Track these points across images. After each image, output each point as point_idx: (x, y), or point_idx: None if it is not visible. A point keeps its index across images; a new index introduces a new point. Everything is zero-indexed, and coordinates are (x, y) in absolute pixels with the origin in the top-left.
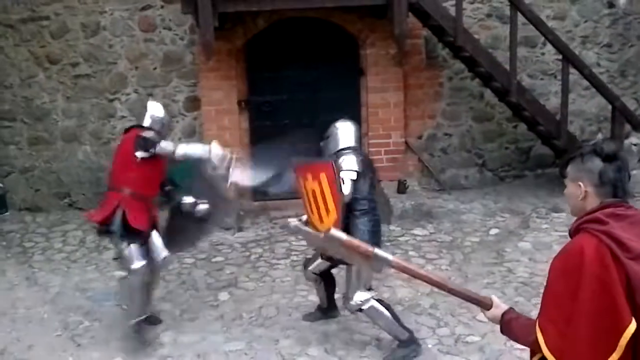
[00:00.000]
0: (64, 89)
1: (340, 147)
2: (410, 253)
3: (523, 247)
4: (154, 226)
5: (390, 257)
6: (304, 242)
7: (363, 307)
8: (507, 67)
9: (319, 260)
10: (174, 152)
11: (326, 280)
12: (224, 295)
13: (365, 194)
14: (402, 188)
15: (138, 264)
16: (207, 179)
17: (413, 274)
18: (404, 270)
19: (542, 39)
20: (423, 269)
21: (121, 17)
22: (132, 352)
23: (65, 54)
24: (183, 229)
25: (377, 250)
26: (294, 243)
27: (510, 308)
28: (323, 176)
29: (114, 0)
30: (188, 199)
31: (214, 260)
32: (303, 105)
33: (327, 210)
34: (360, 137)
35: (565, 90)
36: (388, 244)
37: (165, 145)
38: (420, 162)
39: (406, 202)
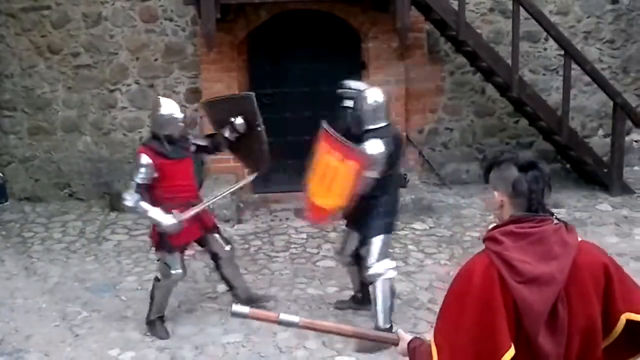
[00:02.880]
0: (65, 79)
1: (369, 126)
2: (410, 247)
3: None
4: (206, 227)
5: (296, 319)
6: (303, 236)
7: (384, 276)
8: (509, 62)
9: (349, 239)
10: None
11: (360, 266)
12: (222, 288)
13: (384, 175)
14: (402, 182)
15: (176, 271)
16: None
17: (322, 330)
18: (312, 328)
19: (545, 34)
20: (327, 322)
21: (122, 8)
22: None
23: (66, 43)
24: (249, 149)
25: (281, 316)
26: (293, 236)
27: (415, 337)
28: (351, 164)
29: None
30: (226, 130)
31: None
32: (304, 98)
33: (337, 193)
34: (389, 108)
35: (567, 86)
36: None
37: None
38: (421, 156)
39: (406, 196)
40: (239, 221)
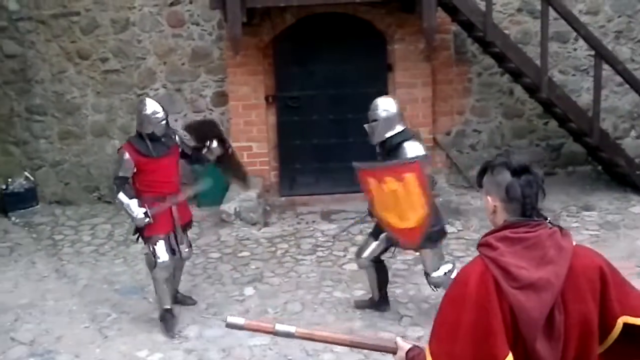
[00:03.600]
0: (94, 84)
1: (393, 132)
2: None
3: None
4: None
5: (292, 329)
6: (330, 239)
7: (452, 277)
8: (538, 62)
9: (373, 245)
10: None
11: (378, 270)
12: (249, 290)
13: None
14: (430, 185)
15: (161, 260)
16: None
17: (319, 340)
18: (308, 338)
19: (574, 34)
20: (325, 331)
21: (150, 13)
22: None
23: (95, 49)
24: (229, 166)
25: (277, 327)
26: (320, 239)
27: (414, 346)
28: (410, 176)
29: None
30: (204, 153)
31: (240, 255)
32: (331, 100)
33: (414, 208)
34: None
35: (597, 87)
36: None
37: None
38: (449, 159)
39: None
40: (266, 224)
